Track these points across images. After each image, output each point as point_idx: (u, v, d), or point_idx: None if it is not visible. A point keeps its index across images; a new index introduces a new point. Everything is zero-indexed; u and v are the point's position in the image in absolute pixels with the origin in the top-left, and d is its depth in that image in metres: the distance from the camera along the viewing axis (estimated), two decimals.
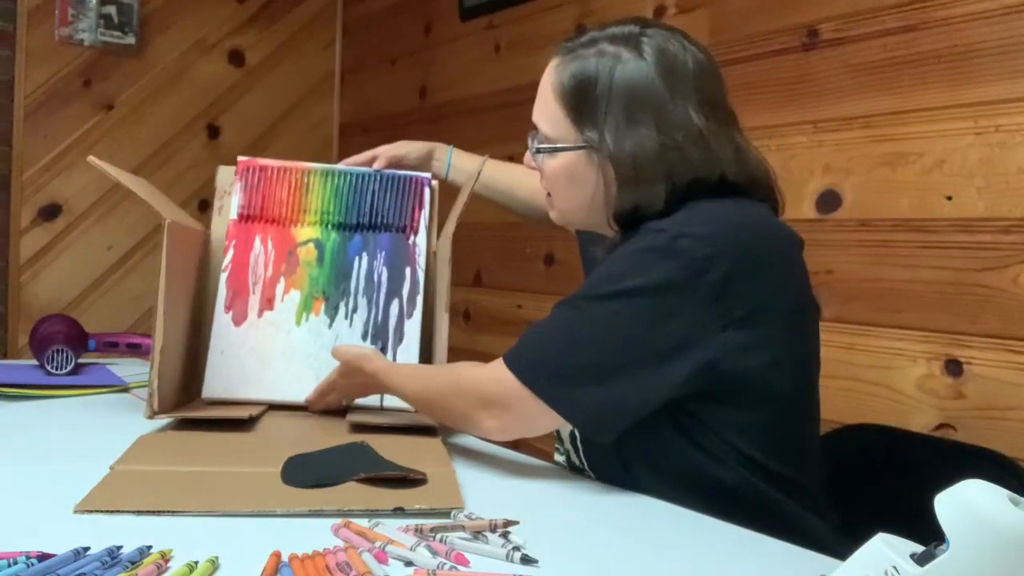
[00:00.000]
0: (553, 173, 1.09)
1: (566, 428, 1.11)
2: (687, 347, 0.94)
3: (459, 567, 0.74)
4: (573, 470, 1.13)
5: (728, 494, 0.97)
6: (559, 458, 1.18)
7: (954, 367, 1.41)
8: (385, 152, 1.48)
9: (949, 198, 1.42)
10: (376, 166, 1.47)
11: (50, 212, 2.82)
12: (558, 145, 1.06)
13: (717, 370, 0.95)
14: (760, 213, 1.02)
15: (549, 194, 1.13)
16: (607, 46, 1.02)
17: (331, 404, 1.34)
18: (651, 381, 0.95)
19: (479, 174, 1.38)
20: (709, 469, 0.99)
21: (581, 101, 1.03)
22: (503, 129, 2.44)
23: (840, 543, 0.89)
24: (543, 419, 0.99)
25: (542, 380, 0.98)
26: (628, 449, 1.01)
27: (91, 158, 1.23)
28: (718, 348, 0.94)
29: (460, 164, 1.49)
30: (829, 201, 1.60)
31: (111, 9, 2.85)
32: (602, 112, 1.01)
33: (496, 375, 1.01)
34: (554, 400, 0.97)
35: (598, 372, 0.96)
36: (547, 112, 1.07)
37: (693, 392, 0.97)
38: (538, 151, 1.09)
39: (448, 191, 1.49)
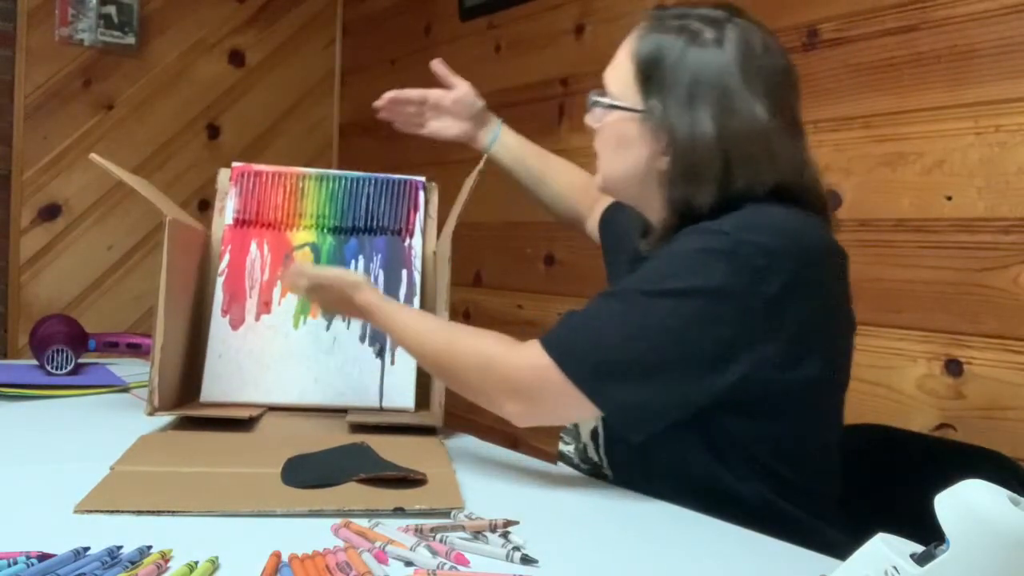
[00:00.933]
0: (605, 130, 1.07)
1: (588, 423, 1.10)
2: (732, 357, 0.93)
3: (459, 567, 0.74)
4: (584, 463, 1.12)
5: (748, 510, 0.95)
6: (565, 448, 1.16)
7: (954, 367, 1.41)
8: (432, 93, 1.44)
9: (949, 198, 1.42)
10: (418, 96, 1.44)
11: (50, 212, 2.82)
12: (616, 102, 1.05)
13: (757, 383, 0.94)
14: (816, 226, 1.00)
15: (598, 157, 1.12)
16: (693, 23, 1.01)
17: (300, 290, 1.26)
18: (692, 386, 0.94)
19: (478, 171, 1.37)
20: (730, 484, 0.97)
21: (653, 69, 1.02)
22: None
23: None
24: (575, 410, 0.98)
25: (586, 371, 0.95)
26: (652, 455, 1.00)
27: (93, 156, 1.24)
28: (762, 361, 0.93)
29: (507, 141, 1.44)
30: (829, 201, 1.60)
31: (111, 9, 2.85)
32: (669, 84, 1.00)
33: (532, 360, 0.98)
34: (595, 393, 0.95)
35: (643, 370, 0.94)
36: (618, 71, 1.06)
37: (729, 402, 0.95)
38: (595, 103, 1.08)
39: (448, 192, 1.49)
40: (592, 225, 1.41)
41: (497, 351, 1.03)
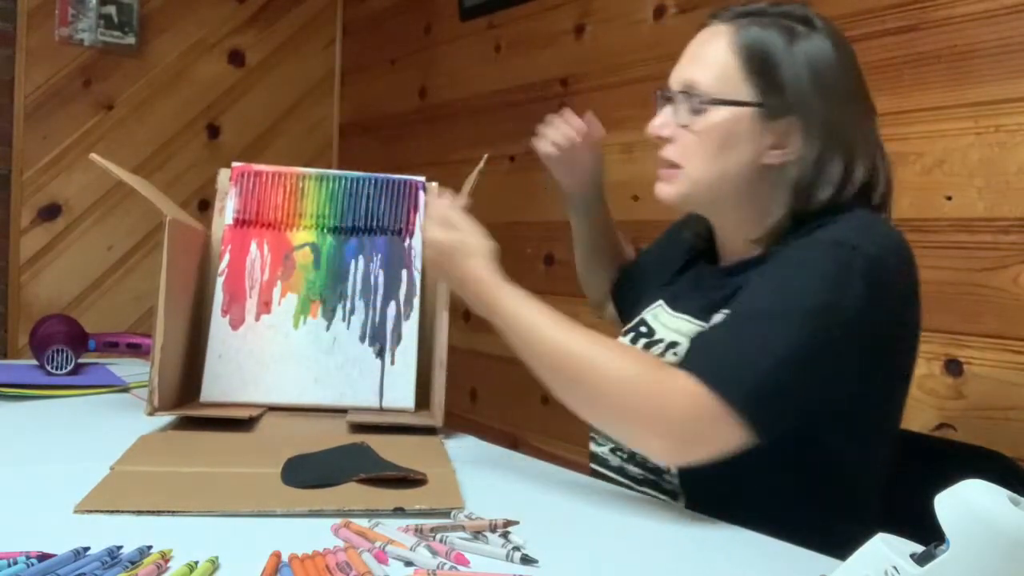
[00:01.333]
0: (707, 129, 1.02)
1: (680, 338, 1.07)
2: (870, 377, 0.94)
3: (459, 567, 0.74)
4: (638, 466, 1.07)
5: (791, 526, 0.90)
6: (598, 449, 1.12)
7: (954, 367, 1.41)
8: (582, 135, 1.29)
9: (949, 198, 1.42)
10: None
11: (50, 212, 2.82)
12: (731, 98, 1.01)
13: (870, 401, 0.96)
14: (903, 235, 1.01)
15: (672, 165, 1.05)
16: (782, 19, 1.02)
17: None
18: (835, 405, 0.94)
19: (478, 172, 1.37)
20: (788, 498, 0.97)
21: (765, 62, 1.00)
22: (503, 129, 2.44)
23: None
24: (729, 442, 0.88)
25: (750, 399, 0.87)
26: (735, 469, 0.93)
27: (93, 155, 1.24)
28: (884, 378, 0.96)
29: (596, 218, 1.37)
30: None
31: (111, 9, 2.85)
32: (789, 76, 0.99)
33: (688, 389, 0.88)
34: (757, 420, 0.87)
35: (798, 393, 0.90)
36: (716, 67, 1.02)
37: (835, 425, 0.96)
38: (705, 102, 1.01)
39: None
40: (611, 309, 1.42)
41: (646, 375, 0.90)
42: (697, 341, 1.00)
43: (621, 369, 0.91)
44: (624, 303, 1.34)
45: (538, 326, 0.96)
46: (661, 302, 1.15)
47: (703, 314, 1.05)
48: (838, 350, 0.91)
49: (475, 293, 1.03)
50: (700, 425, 0.88)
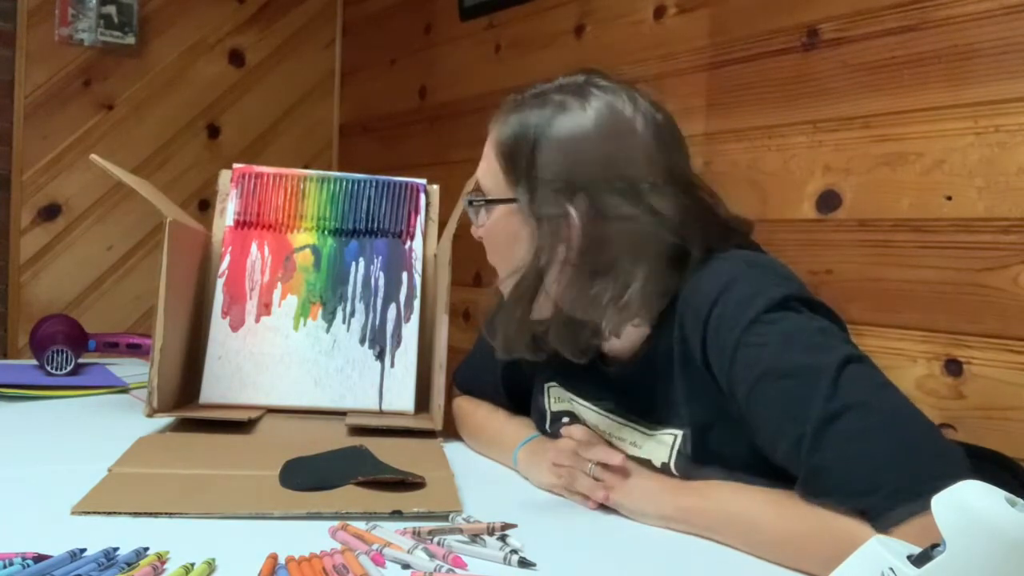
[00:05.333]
0: (491, 229, 1.04)
1: (660, 456, 0.97)
2: None
3: (456, 570, 0.73)
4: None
5: None
6: None
7: (954, 367, 1.41)
8: None
9: (949, 198, 1.42)
10: None
11: (50, 212, 2.82)
12: (489, 197, 1.03)
13: None
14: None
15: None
16: (554, 96, 0.98)
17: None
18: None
19: (477, 179, 1.36)
20: None
21: (516, 154, 0.98)
22: None
23: None
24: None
25: (937, 487, 0.61)
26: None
27: (93, 156, 1.24)
28: None
29: None
30: (829, 201, 1.60)
31: (111, 9, 2.85)
32: (535, 166, 0.96)
33: (925, 526, 0.65)
34: (965, 470, 0.75)
35: (943, 438, 0.80)
36: (487, 165, 1.04)
37: None
38: (470, 202, 1.05)
39: (449, 191, 1.49)
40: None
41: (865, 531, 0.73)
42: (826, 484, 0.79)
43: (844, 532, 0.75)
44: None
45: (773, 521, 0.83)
46: (554, 384, 1.11)
47: (625, 415, 1.01)
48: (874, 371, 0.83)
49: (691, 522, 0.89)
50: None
